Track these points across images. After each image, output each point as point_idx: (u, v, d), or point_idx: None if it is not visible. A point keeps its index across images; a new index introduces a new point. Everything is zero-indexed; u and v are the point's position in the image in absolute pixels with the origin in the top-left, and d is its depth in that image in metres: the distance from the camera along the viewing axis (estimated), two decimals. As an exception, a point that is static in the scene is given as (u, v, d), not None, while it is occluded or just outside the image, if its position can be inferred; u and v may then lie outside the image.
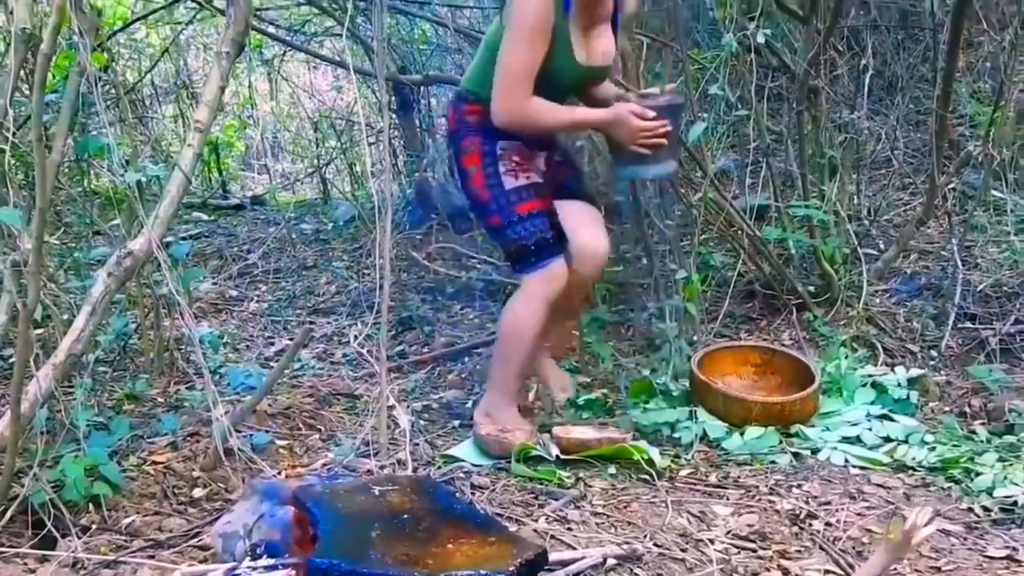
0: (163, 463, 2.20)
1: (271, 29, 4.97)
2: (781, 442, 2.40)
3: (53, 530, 1.82)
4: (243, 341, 3.63)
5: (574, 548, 1.78)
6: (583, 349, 3.04)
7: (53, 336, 2.18)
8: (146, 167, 2.55)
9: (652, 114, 2.30)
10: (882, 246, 3.60)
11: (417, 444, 2.37)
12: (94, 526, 1.90)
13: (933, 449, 2.30)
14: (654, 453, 2.25)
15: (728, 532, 1.91)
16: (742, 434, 2.43)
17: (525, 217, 2.32)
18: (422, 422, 2.62)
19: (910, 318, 3.17)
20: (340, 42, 4.90)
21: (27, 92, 2.53)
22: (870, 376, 2.66)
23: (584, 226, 2.41)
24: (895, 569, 1.71)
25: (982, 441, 2.35)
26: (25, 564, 1.75)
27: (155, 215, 2.02)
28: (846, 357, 2.77)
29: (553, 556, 1.65)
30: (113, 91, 3.63)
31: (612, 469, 2.21)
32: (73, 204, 3.47)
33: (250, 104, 6.60)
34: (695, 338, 2.92)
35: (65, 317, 2.19)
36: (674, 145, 2.42)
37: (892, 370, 2.70)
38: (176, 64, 6.17)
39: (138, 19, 4.86)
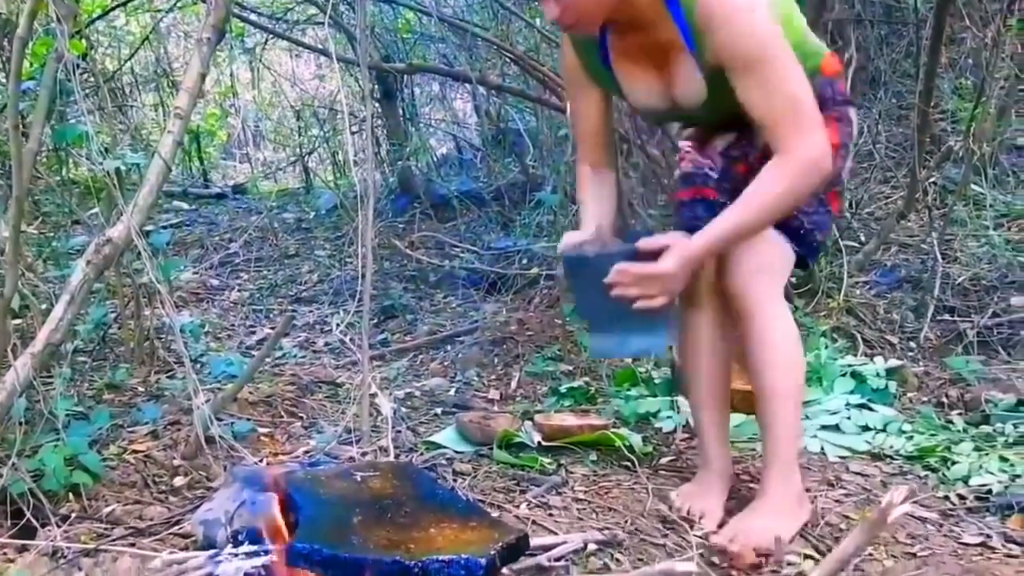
0: (144, 452, 2.19)
1: (253, 16, 4.94)
2: (761, 431, 2.42)
3: (33, 520, 1.80)
4: (224, 330, 3.62)
5: (555, 533, 1.78)
6: (566, 338, 3.06)
7: (31, 326, 2.16)
8: (125, 155, 2.53)
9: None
10: (863, 238, 3.63)
11: (399, 431, 2.37)
12: (74, 515, 1.89)
13: (910, 438, 2.33)
14: (635, 440, 2.26)
15: (708, 519, 1.92)
16: (723, 423, 2.45)
17: (680, 204, 2.10)
18: (404, 409, 2.62)
19: (890, 310, 3.20)
20: (323, 30, 4.88)
21: (3, 79, 2.51)
22: (849, 366, 2.68)
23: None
24: (871, 554, 1.73)
25: (959, 431, 2.38)
26: (4, 554, 1.73)
27: (134, 203, 1.99)
28: (826, 347, 2.79)
29: (534, 541, 1.65)
30: (92, 79, 3.60)
31: (593, 456, 2.22)
32: (51, 193, 3.43)
33: (232, 93, 6.57)
34: (677, 327, 2.88)
35: (44, 306, 2.17)
36: (607, 313, 1.75)
37: (871, 360, 2.73)
38: (156, 52, 6.12)
39: (117, 6, 4.82)
